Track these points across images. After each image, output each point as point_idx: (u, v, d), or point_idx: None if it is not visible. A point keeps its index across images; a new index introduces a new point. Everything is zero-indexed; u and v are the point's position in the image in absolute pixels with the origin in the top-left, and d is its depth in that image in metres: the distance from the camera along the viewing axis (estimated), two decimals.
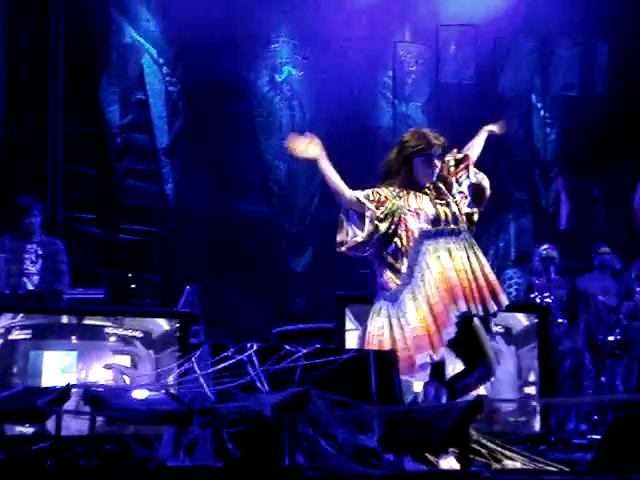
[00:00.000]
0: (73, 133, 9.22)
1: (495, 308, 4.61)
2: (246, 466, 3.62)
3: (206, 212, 9.70)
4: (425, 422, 3.72)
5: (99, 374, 6.02)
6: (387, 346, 4.56)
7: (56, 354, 5.76)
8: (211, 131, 9.73)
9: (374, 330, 4.67)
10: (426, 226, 4.65)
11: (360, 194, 4.76)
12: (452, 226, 4.68)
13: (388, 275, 4.67)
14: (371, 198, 4.72)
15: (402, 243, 4.66)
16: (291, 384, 4.04)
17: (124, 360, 6.30)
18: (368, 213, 4.69)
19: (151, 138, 9.72)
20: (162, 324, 6.49)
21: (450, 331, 4.51)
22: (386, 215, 4.68)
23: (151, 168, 9.72)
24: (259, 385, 4.12)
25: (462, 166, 4.86)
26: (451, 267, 4.59)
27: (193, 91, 9.73)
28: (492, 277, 4.68)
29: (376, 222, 4.67)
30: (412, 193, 4.72)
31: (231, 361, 4.18)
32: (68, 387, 3.75)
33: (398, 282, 4.63)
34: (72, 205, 9.25)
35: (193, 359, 4.36)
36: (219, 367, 4.14)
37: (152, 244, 9.59)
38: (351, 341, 6.24)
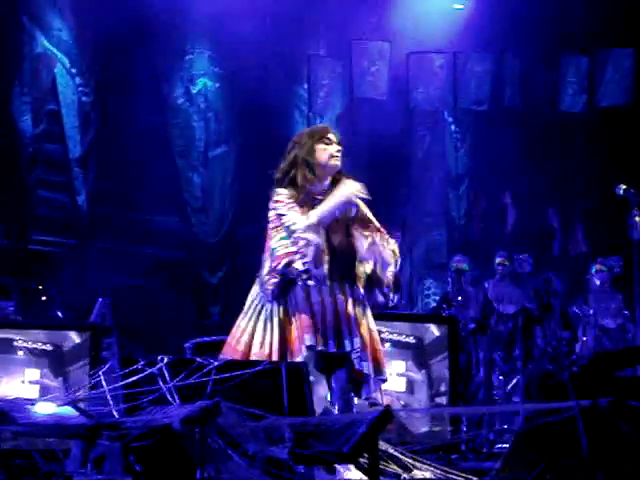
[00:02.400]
0: None
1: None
2: None
3: (119, 223, 9.62)
4: (335, 433, 3.74)
5: (9, 388, 5.93)
6: None
7: None
8: (125, 142, 9.65)
9: None
10: None
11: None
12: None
13: None
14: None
15: None
16: (203, 397, 4.02)
17: (35, 374, 6.21)
18: None
19: (63, 148, 9.60)
20: (73, 337, 6.41)
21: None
22: None
23: (63, 179, 9.60)
24: (170, 398, 4.09)
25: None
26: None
27: (106, 102, 9.65)
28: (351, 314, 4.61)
29: None
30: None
31: (141, 375, 4.15)
32: None
33: None
34: None
35: (101, 372, 4.33)
36: (128, 381, 4.11)
37: (63, 255, 9.46)
38: None
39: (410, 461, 4.34)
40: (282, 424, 3.90)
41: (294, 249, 4.43)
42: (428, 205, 10.94)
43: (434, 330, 6.33)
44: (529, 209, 10.75)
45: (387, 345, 6.12)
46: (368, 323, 4.58)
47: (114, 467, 3.71)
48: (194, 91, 10.25)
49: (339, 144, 4.60)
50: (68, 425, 3.72)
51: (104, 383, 4.21)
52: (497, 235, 10.47)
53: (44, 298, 8.56)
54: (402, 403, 6.14)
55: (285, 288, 4.50)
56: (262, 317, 4.58)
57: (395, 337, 6.20)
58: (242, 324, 4.63)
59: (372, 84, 10.55)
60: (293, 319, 4.52)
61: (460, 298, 8.35)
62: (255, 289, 4.64)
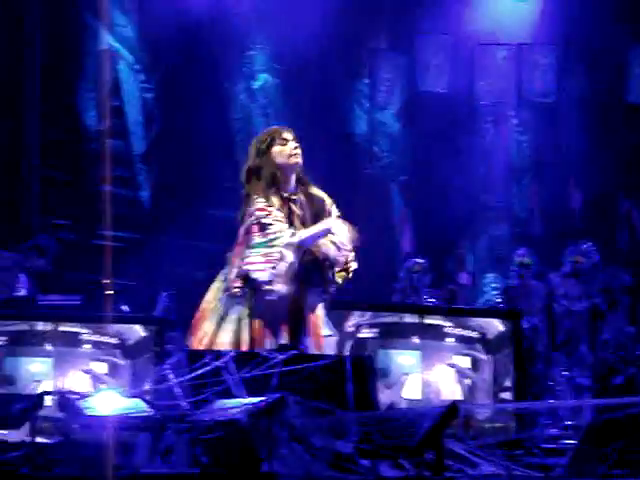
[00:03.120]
0: (50, 139, 9.21)
1: None
2: (222, 473, 3.63)
3: (181, 218, 9.69)
4: (401, 427, 3.74)
5: (75, 381, 6.00)
6: None
7: (32, 361, 5.73)
8: (187, 138, 9.72)
9: None
10: None
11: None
12: None
13: None
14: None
15: None
16: (267, 390, 4.04)
17: (101, 367, 6.29)
18: None
19: (127, 144, 9.70)
20: (138, 330, 6.47)
21: None
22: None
23: (127, 174, 9.70)
24: (235, 392, 4.12)
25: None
26: None
27: (169, 98, 9.73)
28: None
29: None
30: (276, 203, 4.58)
31: (207, 368, 4.18)
32: (43, 394, 3.75)
33: None
34: (48, 211, 9.23)
35: (168, 366, 4.36)
36: (195, 374, 4.14)
37: (128, 250, 9.56)
38: (329, 347, 6.26)
39: (475, 457, 4.32)
40: (347, 418, 3.91)
41: (265, 259, 4.46)
42: (490, 199, 10.86)
43: (498, 325, 6.29)
44: (595, 203, 10.62)
45: (450, 340, 6.10)
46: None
47: (181, 460, 3.75)
48: (255, 87, 10.29)
49: (295, 140, 4.62)
50: (137, 418, 3.77)
51: (171, 376, 4.25)
52: (562, 229, 10.35)
53: (110, 292, 8.66)
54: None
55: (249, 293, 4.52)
56: (228, 318, 4.59)
57: (458, 332, 6.16)
58: (205, 327, 4.62)
59: (434, 77, 10.51)
60: (257, 323, 4.53)
61: (523, 292, 8.29)
62: (217, 288, 4.68)
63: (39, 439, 3.83)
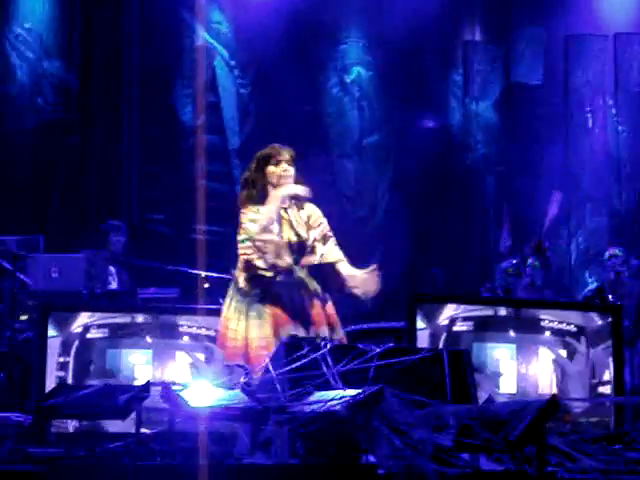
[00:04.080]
0: (148, 135, 9.36)
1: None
2: (321, 464, 3.65)
3: None
4: (501, 421, 3.72)
5: (174, 372, 6.10)
6: None
7: (132, 352, 5.84)
8: (281, 132, 9.78)
9: None
10: None
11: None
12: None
13: None
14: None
15: None
16: (364, 383, 4.05)
17: (199, 358, 6.37)
18: None
19: (223, 139, 9.80)
20: None
21: None
22: None
23: (223, 169, 9.81)
24: (333, 383, 4.14)
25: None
26: None
27: (264, 93, 9.80)
28: None
29: None
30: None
31: (305, 360, 4.21)
32: (147, 385, 3.82)
33: None
34: (146, 206, 9.39)
35: (267, 358, 4.40)
36: (293, 366, 4.18)
37: (223, 244, 9.66)
38: (422, 340, 6.25)
39: (574, 451, 4.28)
40: (446, 411, 3.90)
41: (256, 249, 4.85)
42: (589, 191, 10.69)
43: (597, 318, 6.21)
44: None
45: (547, 333, 6.04)
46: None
47: (281, 451, 3.78)
48: (348, 80, 10.31)
49: (290, 160, 4.96)
50: (238, 409, 3.82)
51: (271, 368, 4.29)
52: None
53: (206, 285, 8.77)
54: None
55: (258, 286, 4.83)
56: (251, 314, 4.83)
57: (556, 325, 6.10)
58: (233, 326, 4.86)
59: (529, 69, 10.39)
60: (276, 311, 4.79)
61: (617, 289, 8.14)
62: (230, 291, 4.98)
63: (143, 430, 3.92)
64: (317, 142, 10.02)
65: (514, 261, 8.54)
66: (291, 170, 4.96)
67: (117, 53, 9.17)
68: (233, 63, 9.77)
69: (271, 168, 4.95)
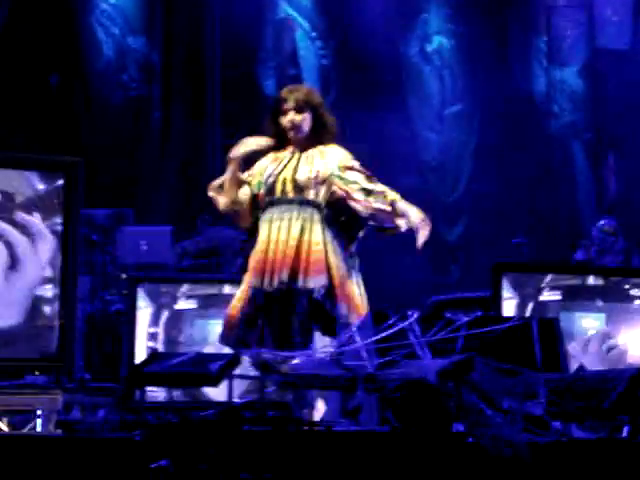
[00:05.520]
0: (230, 110, 9.41)
1: (284, 280, 4.29)
2: (411, 432, 3.66)
3: None
4: (593, 390, 3.69)
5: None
6: None
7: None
8: (362, 103, 9.77)
9: None
10: (264, 197, 4.41)
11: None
12: (291, 195, 4.36)
13: None
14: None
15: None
16: (453, 352, 4.04)
17: None
18: None
19: None
20: None
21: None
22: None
23: None
24: (421, 354, 4.14)
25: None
26: (265, 238, 4.35)
27: (345, 63, 9.79)
28: (315, 256, 4.32)
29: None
30: (269, 156, 4.43)
31: (393, 329, 4.21)
32: (238, 353, 3.87)
33: None
34: None
35: (354, 327, 4.42)
36: (381, 335, 4.19)
37: None
38: (508, 310, 6.21)
39: None
40: (537, 380, 3.88)
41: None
42: None
43: None
44: None
45: (638, 302, 5.94)
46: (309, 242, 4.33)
47: (370, 418, 3.81)
48: (429, 49, 10.23)
49: (297, 105, 4.36)
50: (328, 376, 3.84)
51: (357, 337, 4.30)
52: None
53: None
54: None
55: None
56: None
57: None
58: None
59: (615, 33, 10.18)
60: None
61: None
62: None
63: (235, 398, 3.97)
64: (399, 112, 9.98)
65: (611, 222, 8.37)
66: (298, 118, 4.37)
67: (198, 28, 9.23)
68: (314, 35, 9.78)
69: (281, 119, 4.40)
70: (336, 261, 4.39)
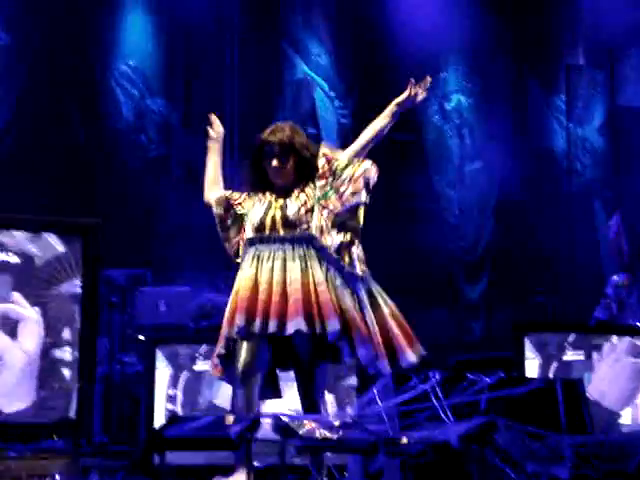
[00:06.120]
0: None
1: (273, 330, 4.01)
2: None
3: (378, 242, 9.72)
4: (618, 452, 3.62)
5: (275, 404, 6.08)
6: None
7: None
8: (382, 161, 9.77)
9: None
10: (251, 234, 4.22)
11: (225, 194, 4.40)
12: (282, 232, 4.18)
13: None
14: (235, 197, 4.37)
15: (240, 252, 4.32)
16: (475, 414, 3.99)
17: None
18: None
19: None
20: None
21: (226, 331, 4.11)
22: (234, 221, 4.33)
23: None
24: (443, 415, 4.08)
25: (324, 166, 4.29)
26: (252, 276, 4.12)
27: (364, 122, 9.82)
28: (324, 297, 4.07)
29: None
30: (255, 196, 4.28)
31: (414, 391, 4.16)
32: (259, 416, 3.82)
33: None
34: None
35: (375, 389, 4.37)
36: (403, 397, 4.13)
37: None
38: (531, 370, 6.13)
39: None
40: (562, 443, 3.81)
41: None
42: None
43: None
44: None
45: None
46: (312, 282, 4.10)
47: None
48: (448, 108, 10.27)
49: (282, 149, 4.21)
50: (350, 440, 3.79)
51: (378, 400, 4.25)
52: None
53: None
54: None
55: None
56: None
57: None
58: None
59: (635, 91, 10.20)
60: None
61: None
62: None
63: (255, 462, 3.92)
64: (419, 170, 9.99)
65: (624, 276, 8.31)
66: (283, 163, 4.21)
67: (218, 88, 9.30)
68: (333, 94, 9.83)
69: (265, 164, 4.25)
70: (345, 301, 4.12)
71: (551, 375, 5.84)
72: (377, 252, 9.68)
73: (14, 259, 5.15)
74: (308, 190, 4.26)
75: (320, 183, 4.26)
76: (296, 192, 4.25)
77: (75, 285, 5.22)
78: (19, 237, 5.20)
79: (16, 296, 5.19)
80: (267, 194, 4.27)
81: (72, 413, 5.12)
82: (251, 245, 4.20)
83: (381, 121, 4.75)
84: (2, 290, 5.18)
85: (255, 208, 4.25)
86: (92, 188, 8.35)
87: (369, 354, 4.07)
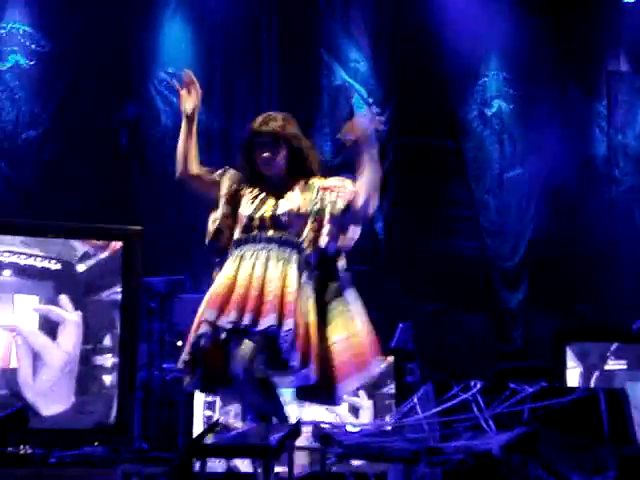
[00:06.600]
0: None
1: (247, 323, 3.90)
2: None
3: (416, 250, 9.70)
4: None
5: (319, 412, 6.08)
6: None
7: None
8: (420, 168, 9.75)
9: None
10: (238, 234, 4.14)
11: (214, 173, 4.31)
12: (270, 233, 4.09)
13: None
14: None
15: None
16: (517, 424, 3.96)
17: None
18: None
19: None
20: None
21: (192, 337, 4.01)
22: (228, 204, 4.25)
23: None
24: (484, 425, 4.05)
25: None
26: (229, 273, 4.04)
27: (402, 129, 9.79)
28: (289, 298, 3.95)
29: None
30: (248, 192, 4.20)
31: (456, 400, 4.14)
32: (299, 424, 3.81)
33: None
34: None
35: (415, 398, 4.35)
36: (444, 406, 4.11)
37: (362, 282, 9.63)
38: (572, 379, 6.08)
39: None
40: (606, 453, 3.77)
41: None
42: None
43: None
44: None
45: None
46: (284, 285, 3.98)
47: None
48: (489, 114, 10.22)
49: (272, 135, 4.14)
50: (392, 449, 3.77)
51: (419, 409, 4.23)
52: None
53: None
54: None
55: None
56: None
57: None
58: None
59: None
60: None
61: None
62: None
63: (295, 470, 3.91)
64: (458, 177, 9.95)
65: None
66: (273, 153, 4.14)
67: (256, 95, 9.31)
68: (371, 100, 9.81)
69: (255, 155, 4.18)
70: (305, 308, 4.00)
71: (593, 384, 5.79)
72: (415, 259, 9.71)
73: (56, 266, 5.19)
74: (307, 195, 4.14)
75: (325, 195, 4.15)
76: (292, 192, 4.14)
77: (116, 292, 5.25)
78: (60, 244, 5.24)
79: (62, 298, 5.22)
80: (261, 189, 4.16)
81: (112, 419, 5.14)
82: (237, 247, 4.11)
83: (367, 171, 4.29)
84: (47, 294, 5.23)
85: (245, 206, 4.15)
86: (133, 195, 8.39)
87: (297, 360, 3.88)
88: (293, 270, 3.99)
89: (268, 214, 4.09)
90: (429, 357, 7.89)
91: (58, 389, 5.20)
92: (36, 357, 5.19)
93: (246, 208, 4.14)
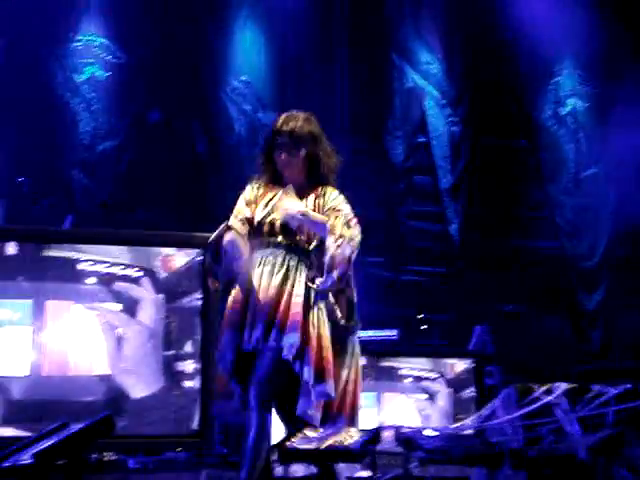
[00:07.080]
0: (359, 176, 9.45)
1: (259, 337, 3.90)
2: None
3: (492, 251, 9.64)
4: None
5: (397, 415, 6.09)
6: None
7: None
8: (495, 169, 9.69)
9: None
10: (251, 237, 4.09)
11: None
12: (279, 238, 4.05)
13: None
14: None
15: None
16: (602, 426, 3.91)
17: (421, 401, 6.35)
18: None
19: (433, 179, 9.79)
20: (456, 364, 6.50)
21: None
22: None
23: (434, 209, 9.79)
24: (568, 427, 4.01)
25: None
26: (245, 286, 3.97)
27: (476, 130, 9.75)
28: (294, 309, 3.92)
29: None
30: (264, 193, 4.14)
31: (539, 403, 4.10)
32: (379, 428, 3.81)
33: None
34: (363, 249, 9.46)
35: (497, 401, 4.32)
36: (527, 409, 4.08)
37: (434, 284, 9.61)
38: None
39: None
40: None
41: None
42: None
43: None
44: None
45: None
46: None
47: None
48: (563, 112, 10.12)
49: (291, 135, 4.05)
50: (474, 453, 3.75)
51: (501, 412, 4.20)
52: None
53: (424, 327, 8.74)
54: None
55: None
56: None
57: None
58: None
59: None
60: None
61: None
62: None
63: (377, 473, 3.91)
64: (533, 177, 9.87)
65: None
66: (292, 155, 4.07)
67: (329, 100, 9.34)
68: (444, 102, 9.78)
69: (275, 155, 4.12)
70: (314, 319, 3.95)
71: None
72: (493, 260, 9.64)
73: (138, 274, 5.25)
74: (320, 201, 4.09)
75: (334, 210, 4.05)
76: (307, 198, 4.08)
77: (196, 298, 5.30)
78: (142, 252, 5.31)
79: (144, 280, 5.25)
80: (276, 190, 4.11)
81: (195, 425, 5.19)
82: (253, 249, 4.07)
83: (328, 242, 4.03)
84: (129, 302, 5.29)
85: (258, 210, 4.12)
86: (211, 203, 8.48)
87: (312, 375, 3.89)
88: (301, 278, 3.98)
89: (278, 219, 4.05)
90: (508, 359, 7.85)
91: (144, 368, 5.22)
92: (119, 337, 5.24)
93: (258, 212, 4.11)
